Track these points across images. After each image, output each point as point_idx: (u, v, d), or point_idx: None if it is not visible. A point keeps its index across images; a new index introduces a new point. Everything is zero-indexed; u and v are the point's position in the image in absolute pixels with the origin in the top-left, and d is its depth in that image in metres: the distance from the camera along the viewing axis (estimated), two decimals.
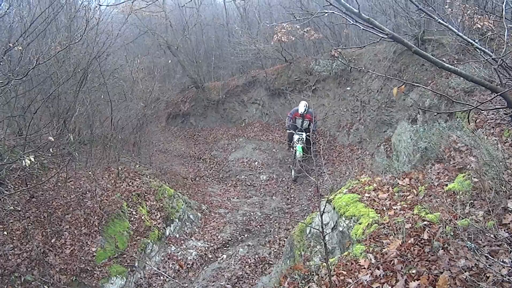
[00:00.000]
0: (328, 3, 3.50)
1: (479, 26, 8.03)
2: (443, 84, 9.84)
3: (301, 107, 14.21)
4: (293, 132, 14.31)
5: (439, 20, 3.97)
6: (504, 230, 4.03)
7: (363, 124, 14.18)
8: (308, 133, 13.94)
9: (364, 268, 4.37)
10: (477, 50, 3.66)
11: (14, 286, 7.19)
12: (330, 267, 4.46)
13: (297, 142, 13.93)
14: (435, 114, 8.49)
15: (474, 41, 4.11)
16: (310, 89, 16.99)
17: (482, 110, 7.17)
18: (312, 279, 4.52)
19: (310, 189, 13.09)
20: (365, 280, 4.15)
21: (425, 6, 7.85)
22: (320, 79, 16.68)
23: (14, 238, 7.81)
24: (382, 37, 3.56)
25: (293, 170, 14.25)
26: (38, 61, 7.21)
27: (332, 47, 16.13)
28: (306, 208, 12.18)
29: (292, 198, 13.12)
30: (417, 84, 5.50)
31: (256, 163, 15.87)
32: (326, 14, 4.03)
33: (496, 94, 3.60)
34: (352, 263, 4.60)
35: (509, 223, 4.13)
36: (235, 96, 20.39)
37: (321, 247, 6.61)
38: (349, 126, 14.97)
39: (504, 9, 4.46)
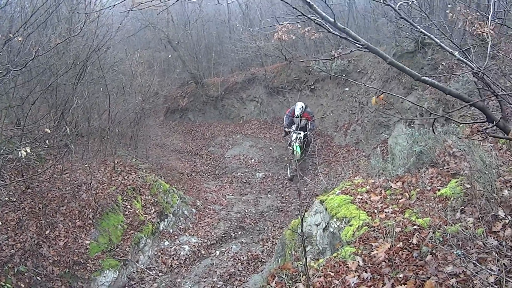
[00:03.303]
0: (300, 13, 3.49)
1: (480, 33, 8.04)
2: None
3: (297, 109, 14.14)
4: (291, 130, 14.30)
5: (421, 29, 3.98)
6: (494, 238, 4.05)
7: (360, 125, 14.21)
8: (306, 132, 13.95)
9: (352, 270, 4.41)
10: (460, 60, 3.67)
11: (7, 276, 7.21)
12: (318, 268, 4.49)
13: (295, 141, 13.92)
14: (425, 120, 8.48)
15: (460, 49, 4.12)
16: (308, 88, 17.01)
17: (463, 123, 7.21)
18: (300, 280, 4.55)
19: (305, 188, 13.11)
20: (352, 283, 4.18)
21: (422, 11, 7.88)
22: (319, 78, 16.69)
23: (9, 228, 7.84)
24: (358, 47, 3.57)
25: (289, 169, 14.27)
26: (37, 52, 7.23)
27: (333, 47, 16.15)
28: (300, 207, 12.19)
29: (287, 197, 13.16)
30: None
31: (253, 160, 15.89)
32: (304, 21, 4.03)
33: (466, 104, 3.61)
34: (340, 265, 4.63)
35: (498, 231, 4.15)
36: (234, 93, 20.39)
37: (312, 247, 6.65)
38: (347, 126, 15.00)
39: (490, 14, 4.46)
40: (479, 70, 3.43)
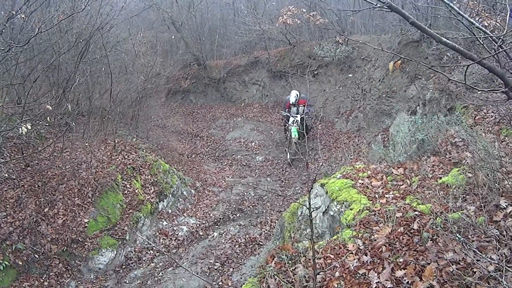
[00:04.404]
0: None
1: (486, 24, 7.99)
2: (445, 78, 9.80)
3: (292, 97, 14.12)
4: (288, 114, 14.24)
5: (446, 2, 3.96)
6: (494, 227, 4.04)
7: (362, 112, 14.16)
8: (302, 115, 13.90)
9: (352, 253, 4.40)
10: (478, 29, 3.66)
11: (5, 254, 7.25)
12: (317, 250, 4.49)
13: (291, 124, 13.91)
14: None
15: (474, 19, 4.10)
16: (311, 74, 16.93)
17: (481, 103, 7.16)
18: (299, 260, 4.55)
19: (304, 173, 13.11)
20: (352, 265, 4.18)
21: None
22: (322, 64, 16.61)
23: (8, 206, 7.86)
24: (380, 6, 3.57)
25: (288, 153, 14.26)
26: (40, 30, 7.15)
27: (338, 33, 16.06)
28: (299, 191, 12.22)
29: (286, 181, 13.17)
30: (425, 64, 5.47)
31: (253, 143, 15.89)
32: None
33: (472, 62, 3.60)
34: (340, 247, 4.62)
35: (499, 221, 4.13)
36: (236, 76, 20.31)
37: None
38: (348, 113, 14.96)
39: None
40: (498, 36, 3.42)
